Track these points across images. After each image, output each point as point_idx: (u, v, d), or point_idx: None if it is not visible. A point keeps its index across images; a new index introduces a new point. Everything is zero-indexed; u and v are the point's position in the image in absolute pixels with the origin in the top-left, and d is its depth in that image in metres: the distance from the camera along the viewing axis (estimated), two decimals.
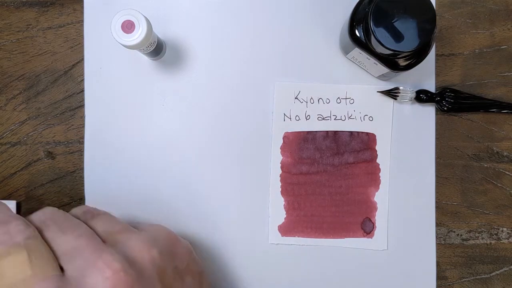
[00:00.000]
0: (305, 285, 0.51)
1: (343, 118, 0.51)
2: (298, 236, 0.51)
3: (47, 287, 0.34)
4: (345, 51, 0.49)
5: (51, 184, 0.52)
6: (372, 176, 0.51)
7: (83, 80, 0.52)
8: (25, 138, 0.52)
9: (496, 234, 0.52)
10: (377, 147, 0.51)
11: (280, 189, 0.51)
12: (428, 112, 0.51)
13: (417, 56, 0.44)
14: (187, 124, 0.52)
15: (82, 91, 0.52)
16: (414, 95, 0.50)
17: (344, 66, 0.51)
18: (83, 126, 0.52)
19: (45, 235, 0.38)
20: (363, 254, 0.51)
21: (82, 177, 0.52)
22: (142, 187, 0.52)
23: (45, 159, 0.52)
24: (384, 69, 0.46)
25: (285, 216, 0.51)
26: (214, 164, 0.52)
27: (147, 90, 0.52)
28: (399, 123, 0.51)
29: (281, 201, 0.51)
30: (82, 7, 0.52)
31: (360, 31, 0.44)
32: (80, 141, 0.52)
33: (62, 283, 0.34)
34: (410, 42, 0.41)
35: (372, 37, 0.41)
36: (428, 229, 0.51)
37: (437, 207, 0.51)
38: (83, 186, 0.52)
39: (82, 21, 0.52)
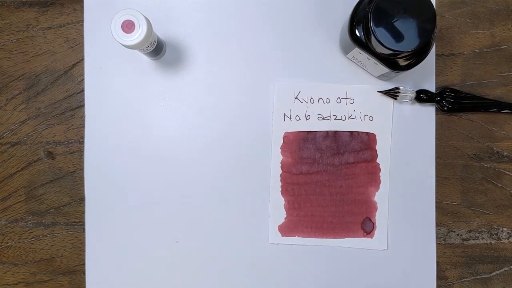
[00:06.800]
0: (305, 285, 0.51)
1: (343, 118, 0.51)
2: (298, 236, 0.51)
3: None
4: (345, 51, 0.49)
5: (51, 184, 0.52)
6: (372, 176, 0.51)
7: (83, 80, 0.52)
8: (25, 138, 0.52)
9: (496, 234, 0.52)
10: (377, 147, 0.51)
11: (280, 189, 0.51)
12: (428, 112, 0.51)
13: (417, 56, 0.44)
14: (187, 124, 0.52)
15: (82, 91, 0.52)
16: (414, 95, 0.50)
17: (344, 66, 0.51)
18: (83, 126, 0.52)
19: None
20: (363, 254, 0.51)
21: (82, 177, 0.52)
22: (142, 186, 0.52)
23: (45, 159, 0.52)
24: (384, 69, 0.46)
25: (285, 216, 0.51)
26: (214, 163, 0.52)
27: (147, 90, 0.52)
28: (399, 123, 0.51)
29: (281, 201, 0.51)
30: (82, 7, 0.52)
31: (360, 31, 0.44)
32: (80, 141, 0.52)
33: None
34: (410, 42, 0.41)
35: (372, 37, 0.41)
36: (428, 229, 0.51)
37: (437, 207, 0.51)
38: (83, 186, 0.52)
39: (82, 21, 0.52)
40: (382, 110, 0.51)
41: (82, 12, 0.52)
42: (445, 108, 0.50)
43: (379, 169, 0.51)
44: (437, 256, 0.51)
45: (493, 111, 0.51)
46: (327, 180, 0.51)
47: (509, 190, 0.52)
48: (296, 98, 0.51)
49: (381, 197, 0.51)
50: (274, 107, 0.51)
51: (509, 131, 0.52)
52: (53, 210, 0.52)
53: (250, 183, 0.51)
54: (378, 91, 0.51)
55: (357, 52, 0.46)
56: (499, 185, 0.52)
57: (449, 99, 0.50)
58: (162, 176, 0.52)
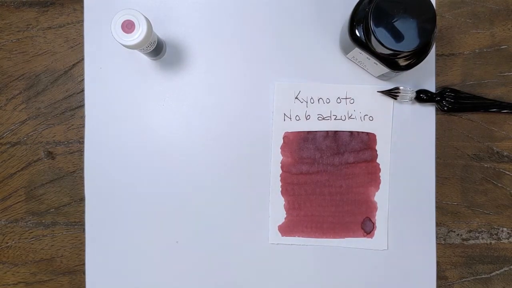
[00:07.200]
0: (305, 285, 0.51)
1: (343, 118, 0.51)
2: (298, 236, 0.51)
3: None
4: (345, 51, 0.49)
5: (51, 184, 0.52)
6: (372, 176, 0.51)
7: (83, 80, 0.52)
8: (25, 138, 0.52)
9: (496, 234, 0.52)
10: (377, 147, 0.51)
11: (280, 189, 0.51)
12: (428, 112, 0.51)
13: (417, 56, 0.44)
14: (187, 124, 0.52)
15: (82, 91, 0.52)
16: (414, 95, 0.50)
17: (344, 66, 0.51)
18: (83, 126, 0.52)
19: None
20: (363, 254, 0.51)
21: (82, 177, 0.52)
22: (142, 187, 0.52)
23: (45, 159, 0.52)
24: (384, 69, 0.46)
25: (285, 216, 0.51)
26: (214, 163, 0.52)
27: (147, 90, 0.52)
28: (399, 123, 0.51)
29: (281, 201, 0.51)
30: (82, 7, 0.52)
31: (360, 31, 0.44)
32: (80, 141, 0.52)
33: None
34: (410, 42, 0.41)
35: (372, 37, 0.41)
36: (428, 229, 0.51)
37: (437, 207, 0.51)
38: (83, 186, 0.52)
39: (82, 21, 0.52)
40: (382, 110, 0.51)
41: (82, 12, 0.52)
42: (445, 108, 0.51)
43: (379, 169, 0.51)
44: (437, 256, 0.51)
45: (493, 111, 0.51)
46: (327, 180, 0.51)
47: (509, 190, 0.52)
48: (296, 98, 0.51)
49: (381, 197, 0.51)
50: (274, 107, 0.52)
51: (509, 131, 0.52)
52: (53, 210, 0.52)
53: (250, 183, 0.51)
54: (378, 91, 0.51)
55: (357, 52, 0.46)
56: (499, 185, 0.52)
57: (449, 99, 0.50)
58: (162, 176, 0.52)
